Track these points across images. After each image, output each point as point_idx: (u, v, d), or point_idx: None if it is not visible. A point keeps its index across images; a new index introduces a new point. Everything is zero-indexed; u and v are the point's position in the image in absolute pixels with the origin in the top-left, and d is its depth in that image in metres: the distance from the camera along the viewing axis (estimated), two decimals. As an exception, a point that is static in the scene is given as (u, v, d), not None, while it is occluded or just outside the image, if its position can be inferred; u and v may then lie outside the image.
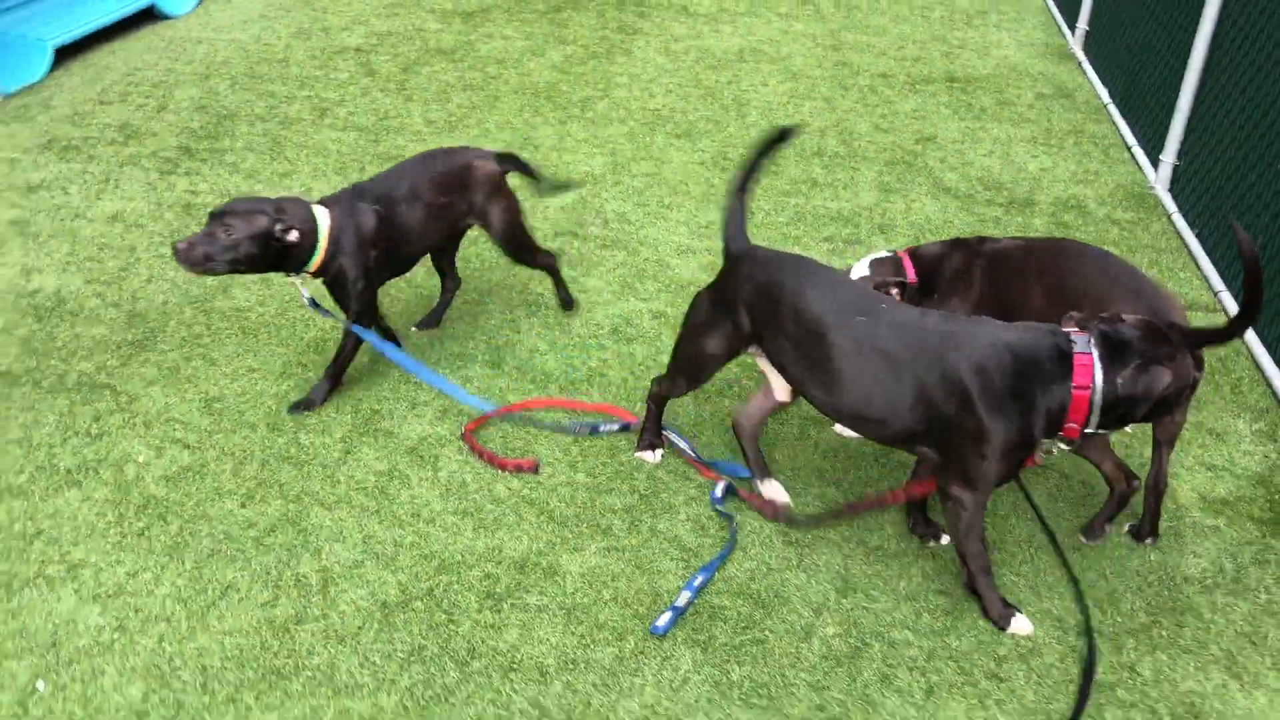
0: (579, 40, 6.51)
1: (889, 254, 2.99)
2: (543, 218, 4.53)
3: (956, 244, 2.96)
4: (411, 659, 2.43)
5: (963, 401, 2.31)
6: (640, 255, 4.31)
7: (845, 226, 4.58)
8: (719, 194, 4.70)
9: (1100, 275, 2.69)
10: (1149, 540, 2.91)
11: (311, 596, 2.73)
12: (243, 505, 2.99)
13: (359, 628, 2.50)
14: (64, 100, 5.25)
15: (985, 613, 2.68)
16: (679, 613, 2.63)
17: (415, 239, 3.30)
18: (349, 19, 6.57)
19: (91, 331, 3.68)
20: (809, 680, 2.58)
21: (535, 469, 3.11)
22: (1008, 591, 2.68)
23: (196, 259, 2.92)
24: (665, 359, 3.51)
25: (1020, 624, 2.66)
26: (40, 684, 2.44)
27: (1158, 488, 2.80)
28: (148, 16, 6.33)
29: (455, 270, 3.79)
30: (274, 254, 3.01)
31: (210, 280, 3.92)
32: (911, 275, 2.93)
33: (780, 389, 2.77)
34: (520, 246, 3.61)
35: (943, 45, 6.72)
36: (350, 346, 3.27)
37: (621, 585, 2.67)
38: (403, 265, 3.34)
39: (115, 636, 2.52)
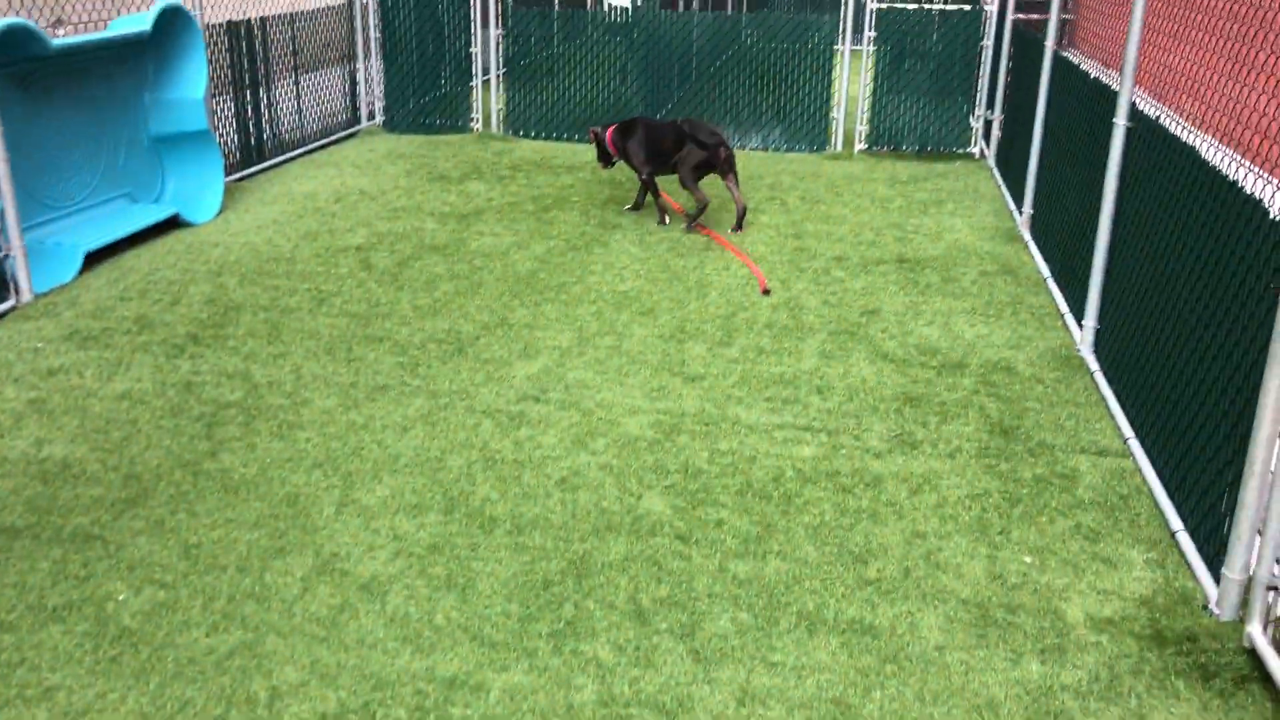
0: (562, 235, 7.30)
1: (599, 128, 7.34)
2: (507, 385, 5.09)
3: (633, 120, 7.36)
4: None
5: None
6: (594, 416, 4.73)
7: (786, 388, 5.02)
8: (673, 362, 5.36)
9: (684, 123, 7.19)
10: (738, 228, 7.27)
11: (258, 710, 3.06)
12: (207, 635, 3.35)
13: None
14: (89, 298, 5.94)
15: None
16: None
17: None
18: (354, 222, 7.42)
19: (90, 491, 4.14)
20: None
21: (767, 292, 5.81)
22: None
23: None
24: (607, 504, 4.04)
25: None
26: None
27: (739, 203, 7.27)
28: (172, 224, 7.14)
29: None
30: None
31: (201, 444, 4.44)
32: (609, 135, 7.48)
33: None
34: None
35: (898, 231, 7.43)
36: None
37: (540, 699, 3.08)
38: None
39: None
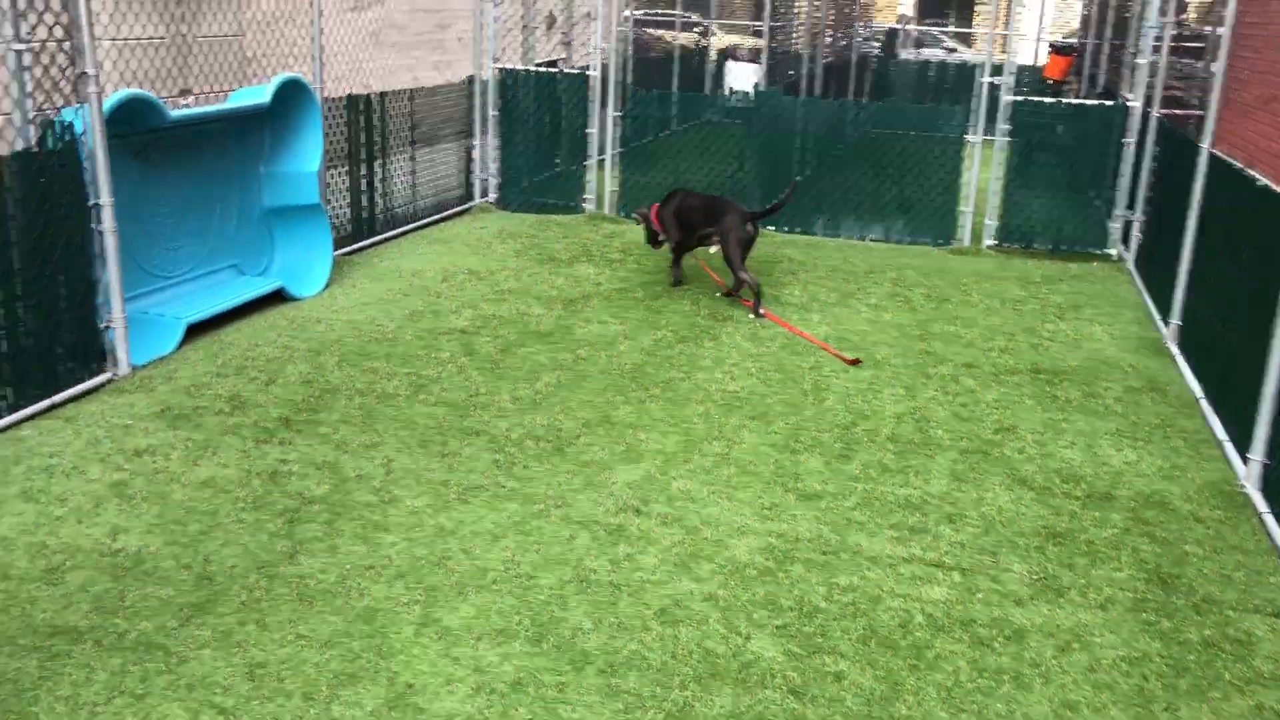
0: (671, 326, 6.89)
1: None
2: (607, 493, 4.68)
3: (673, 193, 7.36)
4: None
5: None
6: (699, 535, 4.23)
7: (913, 514, 4.46)
8: (787, 476, 4.87)
9: (716, 200, 7.52)
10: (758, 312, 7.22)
11: None
12: (261, 778, 2.81)
13: None
14: (186, 372, 5.78)
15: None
16: None
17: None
18: (460, 303, 7.14)
19: (160, 592, 3.87)
20: None
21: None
22: None
23: None
24: (711, 645, 3.59)
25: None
26: None
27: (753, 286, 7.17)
28: (277, 298, 6.92)
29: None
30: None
31: (280, 544, 4.12)
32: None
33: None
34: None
35: (1032, 337, 6.84)
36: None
37: None
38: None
39: None
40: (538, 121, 9.95)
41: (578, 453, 5.07)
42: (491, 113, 10.11)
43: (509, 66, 10.07)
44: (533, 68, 10.31)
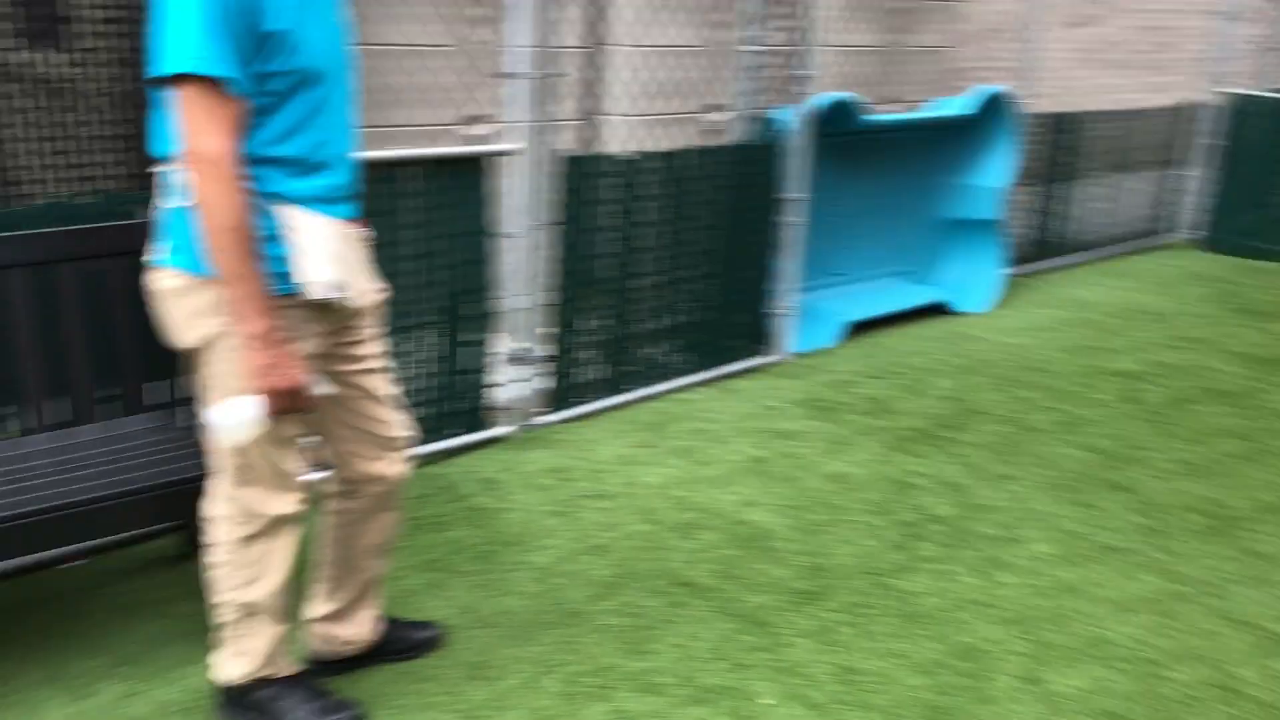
0: (1397, 412, 5.64)
1: None
2: (1278, 595, 4.03)
3: None
4: None
5: None
6: None
7: None
8: None
9: None
10: None
11: None
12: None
13: None
14: (836, 368, 5.89)
15: None
16: None
17: None
18: (1129, 344, 6.55)
19: (775, 571, 3.97)
20: None
21: None
22: None
23: None
24: None
25: None
26: None
27: None
28: (936, 309, 6.90)
29: None
30: None
31: (894, 555, 4.01)
32: None
33: None
34: None
35: None
36: None
37: None
38: None
39: None
40: (1267, 153, 8.69)
41: (1247, 539, 4.32)
42: (1208, 141, 9.04)
43: (1242, 91, 8.91)
44: (1273, 93, 9.03)
